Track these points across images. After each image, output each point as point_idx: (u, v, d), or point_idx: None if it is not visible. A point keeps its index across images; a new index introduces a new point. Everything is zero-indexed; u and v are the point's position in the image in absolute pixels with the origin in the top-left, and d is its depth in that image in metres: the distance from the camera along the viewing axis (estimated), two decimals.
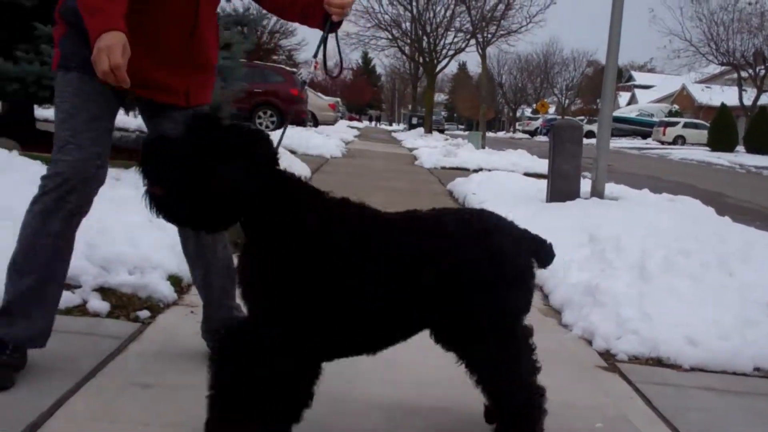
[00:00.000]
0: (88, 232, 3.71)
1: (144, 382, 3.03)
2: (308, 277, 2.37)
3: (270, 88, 22.74)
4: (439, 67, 41.82)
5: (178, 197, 2.36)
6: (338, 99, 43.42)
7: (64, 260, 3.04)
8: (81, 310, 3.80)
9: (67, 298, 3.73)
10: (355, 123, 50.47)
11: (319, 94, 34.08)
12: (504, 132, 78.14)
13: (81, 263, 3.94)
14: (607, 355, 4.02)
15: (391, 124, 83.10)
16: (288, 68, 27.90)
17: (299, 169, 11.05)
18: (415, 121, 44.14)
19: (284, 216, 2.42)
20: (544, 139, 46.68)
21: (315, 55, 3.15)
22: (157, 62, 3.05)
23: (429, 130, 38.02)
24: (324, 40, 3.19)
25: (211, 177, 2.32)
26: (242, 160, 2.35)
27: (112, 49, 2.62)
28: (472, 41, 36.78)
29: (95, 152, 2.96)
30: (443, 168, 16.91)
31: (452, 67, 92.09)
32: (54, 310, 3.06)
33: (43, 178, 2.94)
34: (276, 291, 2.39)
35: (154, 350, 3.43)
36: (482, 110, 33.67)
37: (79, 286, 3.94)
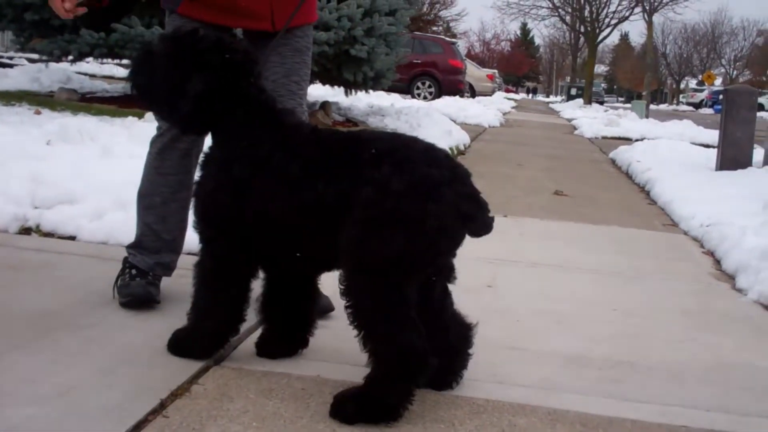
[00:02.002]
0: None
1: None
2: (216, 180, 2.51)
3: (429, 59, 22.80)
4: (600, 37, 40.69)
5: (157, 104, 2.66)
6: (495, 70, 42.97)
7: (183, 196, 3.18)
8: None
9: None
10: (511, 95, 49.82)
11: (477, 65, 33.85)
12: (667, 104, 75.25)
13: None
14: None
15: (548, 96, 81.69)
16: (447, 39, 27.83)
17: (458, 135, 11.04)
18: (573, 92, 43.23)
19: (226, 124, 2.54)
20: (709, 111, 44.64)
21: None
22: None
23: (588, 102, 37.16)
24: None
25: (181, 87, 2.49)
26: (206, 74, 2.49)
27: None
28: (637, 9, 35.50)
29: None
30: (604, 138, 16.50)
31: (614, 38, 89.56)
32: (179, 242, 3.26)
33: (158, 120, 3.13)
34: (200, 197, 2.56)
35: None
36: (647, 78, 32.54)
37: None
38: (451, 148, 9.78)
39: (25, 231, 4.08)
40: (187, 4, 3.03)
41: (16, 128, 6.11)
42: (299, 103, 3.13)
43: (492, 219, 2.32)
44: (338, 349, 2.79)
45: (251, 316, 3.05)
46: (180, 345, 2.65)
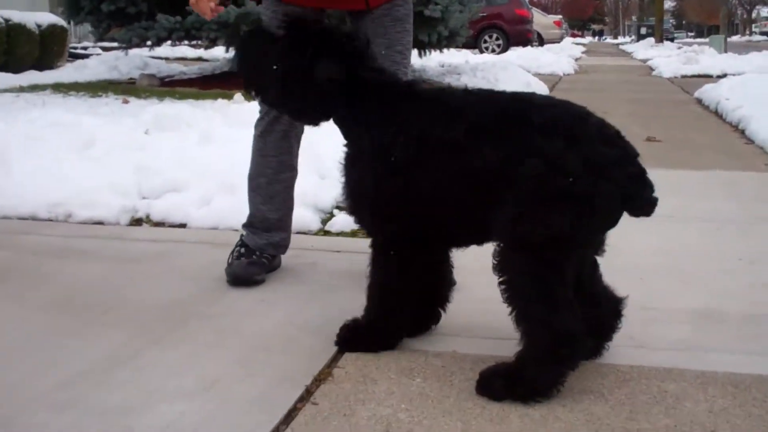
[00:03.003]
0: None
1: None
2: (375, 173, 2.40)
3: (495, 11, 22.43)
4: None
5: (270, 92, 2.60)
6: (560, 16, 42.12)
7: (285, 176, 3.24)
8: None
9: None
10: (578, 39, 48.81)
11: (542, 12, 33.22)
12: (739, 35, 72.85)
13: None
14: None
15: (616, 38, 79.81)
16: None
17: (537, 87, 10.86)
18: (643, 31, 42.15)
19: (356, 114, 2.48)
20: None
21: None
22: None
23: (660, 40, 36.11)
24: None
25: (304, 72, 2.43)
26: (328, 59, 2.43)
27: None
28: None
29: None
30: (684, 77, 16.04)
31: None
32: (286, 221, 3.31)
33: (260, 103, 3.11)
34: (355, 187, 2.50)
35: None
36: (723, 11, 31.44)
37: None
38: None
39: (136, 222, 4.15)
40: None
41: (109, 119, 6.20)
42: (404, 72, 3.11)
43: (656, 200, 2.25)
44: (468, 323, 2.77)
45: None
46: (361, 340, 2.57)
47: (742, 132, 7.80)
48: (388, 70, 2.60)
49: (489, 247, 2.35)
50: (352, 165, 2.51)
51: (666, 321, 2.84)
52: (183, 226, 4.08)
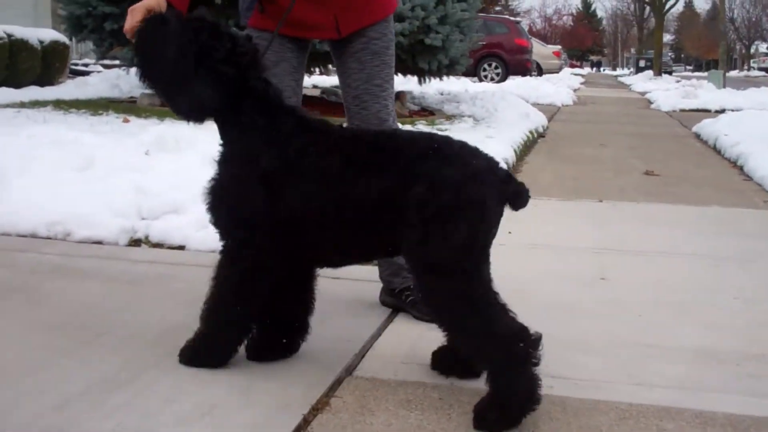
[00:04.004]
0: None
1: None
2: (239, 178, 2.46)
3: (494, 40, 22.53)
4: (667, 6, 39.78)
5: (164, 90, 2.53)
6: (559, 47, 42.38)
7: None
8: None
9: None
10: (577, 70, 49.06)
11: (542, 42, 33.41)
12: (737, 70, 73.24)
13: None
14: None
15: (614, 69, 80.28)
16: (512, 18, 27.52)
17: (536, 118, 10.90)
18: (642, 64, 42.48)
19: (235, 117, 2.51)
20: None
21: None
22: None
23: (658, 73, 36.39)
24: None
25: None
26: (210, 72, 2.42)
27: (133, 11, 2.63)
28: None
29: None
30: (682, 110, 16.10)
31: (678, 5, 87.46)
32: None
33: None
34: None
35: None
36: (722, 46, 31.71)
37: None
38: (530, 132, 9.66)
39: (135, 242, 4.15)
40: (258, 17, 3.07)
41: (110, 138, 6.19)
42: (384, 105, 3.12)
43: (527, 192, 2.39)
44: None
45: (371, 323, 3.06)
46: (199, 354, 2.61)
47: (741, 168, 7.83)
48: (274, 86, 2.58)
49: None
50: (221, 164, 2.55)
51: (664, 358, 2.83)
52: (182, 248, 4.07)
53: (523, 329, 2.28)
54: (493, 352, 2.26)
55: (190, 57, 2.41)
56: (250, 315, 2.58)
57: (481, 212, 2.29)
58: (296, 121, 2.51)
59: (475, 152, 2.40)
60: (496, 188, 2.32)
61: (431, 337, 2.73)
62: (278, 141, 2.45)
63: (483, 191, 2.28)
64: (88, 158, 4.98)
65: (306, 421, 2.27)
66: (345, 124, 2.85)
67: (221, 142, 2.58)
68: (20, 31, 12.51)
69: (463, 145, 2.42)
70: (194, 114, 2.54)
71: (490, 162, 2.38)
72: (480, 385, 2.48)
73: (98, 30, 9.34)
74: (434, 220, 2.26)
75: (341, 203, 2.37)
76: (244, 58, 2.47)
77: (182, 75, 2.43)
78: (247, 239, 2.47)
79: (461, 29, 9.60)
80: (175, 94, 2.50)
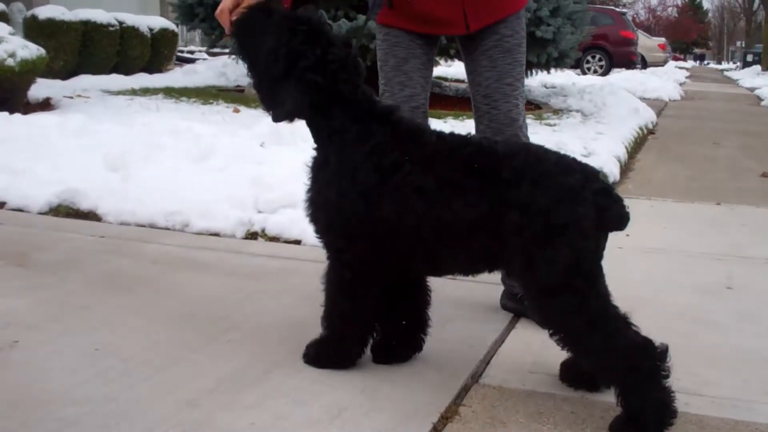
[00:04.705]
0: None
1: None
2: (337, 187, 2.41)
3: (599, 32, 22.02)
4: None
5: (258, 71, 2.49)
6: (664, 38, 41.30)
7: None
8: None
9: None
10: (681, 63, 47.72)
11: (647, 34, 32.62)
12: None
13: None
14: None
15: (719, 63, 77.90)
16: (617, 9, 26.94)
17: (646, 114, 10.61)
18: (750, 58, 40.99)
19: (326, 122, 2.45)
20: None
21: None
22: None
23: (767, 68, 35.07)
24: None
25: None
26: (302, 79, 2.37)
27: None
28: None
29: (406, 95, 3.02)
30: None
31: None
32: None
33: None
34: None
35: None
36: None
37: None
38: (641, 128, 9.42)
39: (251, 235, 4.18)
40: (387, 13, 3.03)
41: (222, 128, 6.28)
42: (515, 104, 3.05)
43: (628, 213, 2.29)
44: None
45: (493, 328, 3.01)
46: (323, 356, 2.61)
47: None
48: (365, 89, 2.52)
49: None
50: (316, 171, 2.51)
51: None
52: (298, 242, 4.09)
53: (647, 342, 2.21)
54: (616, 368, 2.20)
55: (280, 60, 2.39)
56: (367, 315, 2.56)
57: (579, 231, 2.22)
58: (390, 129, 2.46)
59: (569, 168, 2.31)
60: (591, 204, 2.23)
61: (556, 345, 2.67)
62: (373, 152, 2.40)
63: (577, 211, 2.21)
64: (206, 149, 5.05)
65: (436, 430, 2.23)
66: (472, 121, 2.76)
67: (314, 146, 2.56)
68: (131, 19, 12.81)
69: (558, 160, 2.34)
70: (279, 115, 2.51)
71: (586, 176, 2.29)
72: (611, 399, 2.41)
73: (209, 19, 9.49)
74: (534, 246, 2.22)
75: (435, 224, 2.33)
76: (333, 66, 2.41)
77: (271, 76, 2.42)
78: (345, 248, 2.46)
79: (572, 21, 9.41)
80: (265, 91, 2.50)
